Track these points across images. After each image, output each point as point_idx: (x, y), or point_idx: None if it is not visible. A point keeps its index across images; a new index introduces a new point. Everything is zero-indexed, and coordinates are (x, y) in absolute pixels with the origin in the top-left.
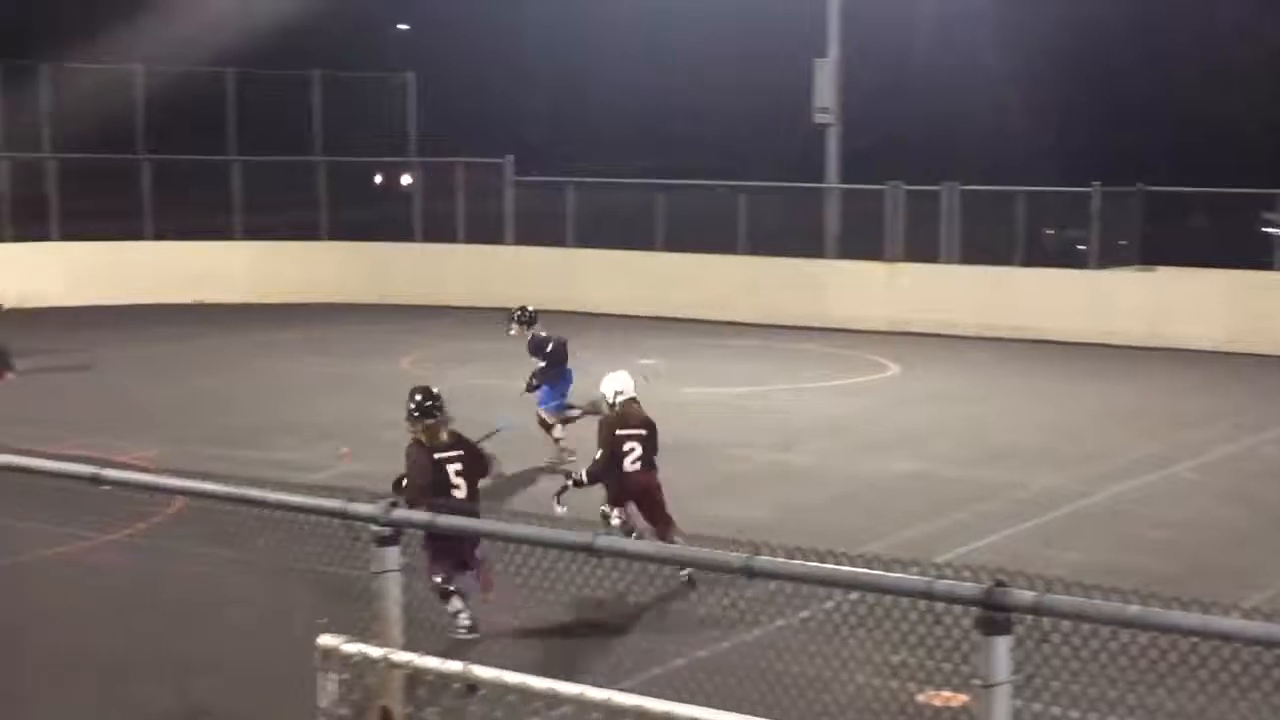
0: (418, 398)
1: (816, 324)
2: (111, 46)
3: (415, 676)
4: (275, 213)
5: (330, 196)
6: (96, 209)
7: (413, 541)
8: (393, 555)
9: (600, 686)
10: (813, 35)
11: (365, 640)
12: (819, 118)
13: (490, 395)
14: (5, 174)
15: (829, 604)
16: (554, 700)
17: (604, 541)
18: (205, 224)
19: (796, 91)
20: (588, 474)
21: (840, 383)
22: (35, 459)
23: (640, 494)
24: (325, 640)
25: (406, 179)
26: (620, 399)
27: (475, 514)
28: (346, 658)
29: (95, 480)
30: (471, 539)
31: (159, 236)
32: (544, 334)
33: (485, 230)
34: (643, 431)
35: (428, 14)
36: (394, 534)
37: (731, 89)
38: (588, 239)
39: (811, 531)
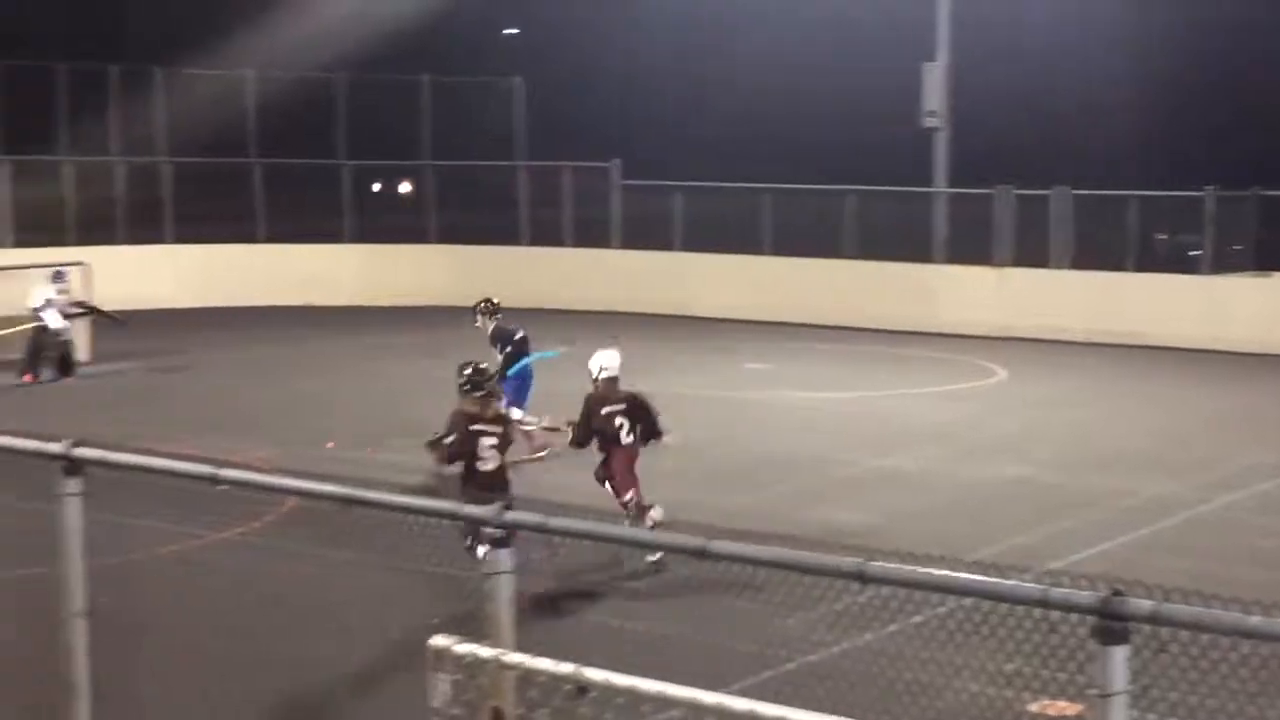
0: (467, 372)
1: (924, 329)
2: (225, 52)
3: (527, 677)
4: (383, 216)
5: (438, 200)
6: (209, 212)
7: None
8: (505, 557)
9: (711, 690)
10: (922, 39)
11: (477, 641)
12: (927, 121)
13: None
14: (121, 177)
15: (942, 609)
16: (664, 703)
17: (718, 546)
18: (315, 227)
19: (905, 95)
20: (572, 440)
21: (947, 388)
22: (155, 458)
23: (624, 464)
24: (437, 641)
25: (405, 187)
26: (604, 375)
27: (505, 486)
28: (458, 658)
29: (213, 480)
30: (505, 499)
31: (269, 240)
32: (508, 325)
33: (592, 234)
34: (624, 406)
35: (536, 18)
36: (506, 536)
37: (840, 93)
38: (695, 243)
39: (918, 538)
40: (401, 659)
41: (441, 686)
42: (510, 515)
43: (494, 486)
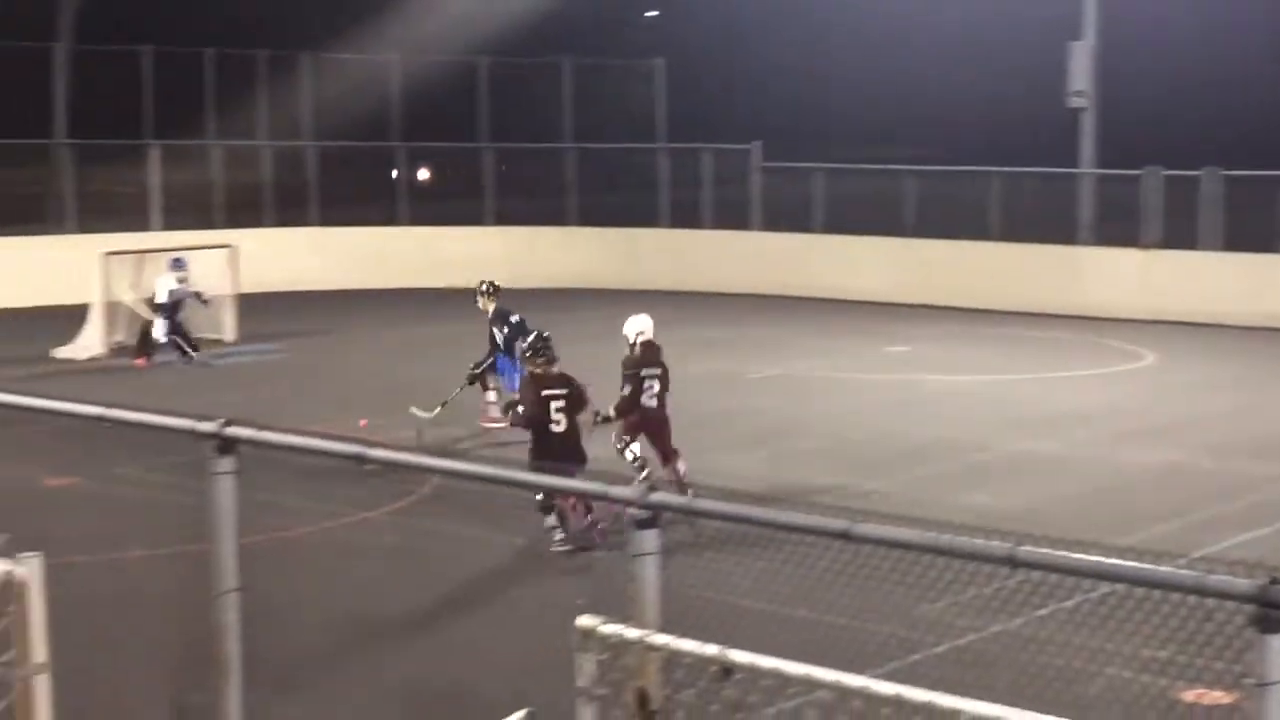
0: (530, 339)
1: (1067, 312)
2: (369, 37)
3: (672, 658)
4: (526, 199)
5: (580, 182)
6: (353, 196)
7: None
8: (650, 538)
9: (859, 673)
10: (1068, 17)
11: (623, 621)
12: (1074, 101)
13: (732, 382)
14: (268, 161)
15: (1093, 595)
16: (810, 685)
17: (862, 529)
18: (458, 210)
19: (1051, 75)
20: (616, 410)
21: (1093, 372)
22: (304, 437)
23: (656, 426)
24: (584, 621)
25: (424, 173)
26: (641, 339)
27: (576, 445)
28: (604, 638)
29: (360, 459)
30: (578, 465)
31: (412, 222)
32: (506, 308)
33: (732, 216)
34: (659, 370)
35: (677, 0)
36: (652, 517)
37: (985, 73)
38: (835, 225)
39: (1066, 522)
40: (547, 638)
41: (587, 666)
42: (656, 497)
43: (566, 447)
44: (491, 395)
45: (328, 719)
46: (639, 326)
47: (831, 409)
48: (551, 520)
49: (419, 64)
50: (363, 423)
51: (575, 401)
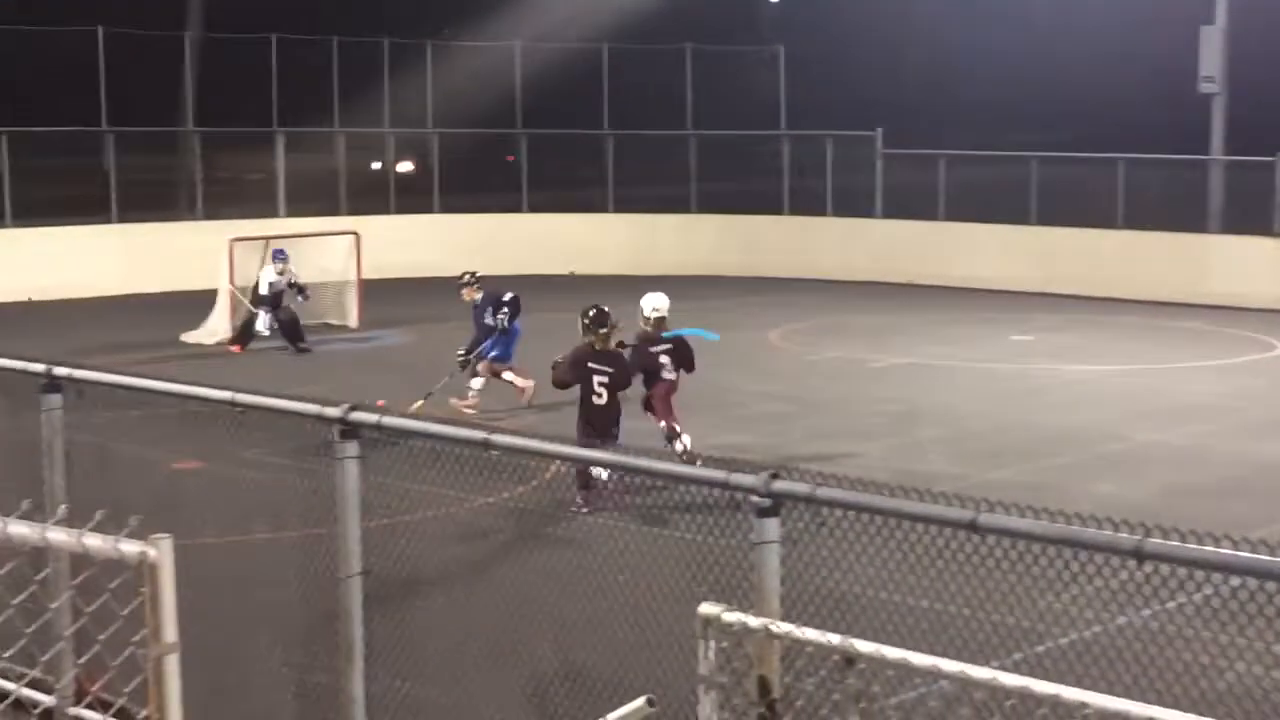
0: (592, 313)
1: (1195, 300)
2: (492, 24)
3: (794, 647)
4: (646, 185)
5: (700, 169)
6: (475, 182)
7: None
8: (772, 526)
9: (982, 664)
10: (1199, 1)
11: (744, 609)
12: (1204, 87)
13: (854, 370)
14: (392, 149)
15: (1224, 589)
16: (934, 676)
17: (989, 519)
18: (580, 197)
19: (1181, 60)
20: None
21: (1223, 361)
22: (429, 423)
23: (663, 395)
24: (706, 608)
25: (405, 165)
26: (655, 315)
27: (615, 421)
28: (726, 626)
29: (486, 445)
30: (614, 437)
31: (534, 209)
32: (495, 290)
33: (853, 203)
34: (670, 345)
35: None
36: (774, 505)
37: (1113, 58)
38: (958, 212)
39: (1194, 515)
40: (668, 624)
41: (709, 654)
42: (779, 485)
43: (604, 419)
44: (478, 382)
45: (448, 701)
46: (654, 303)
47: (954, 398)
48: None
49: (541, 51)
50: (380, 404)
51: (619, 381)
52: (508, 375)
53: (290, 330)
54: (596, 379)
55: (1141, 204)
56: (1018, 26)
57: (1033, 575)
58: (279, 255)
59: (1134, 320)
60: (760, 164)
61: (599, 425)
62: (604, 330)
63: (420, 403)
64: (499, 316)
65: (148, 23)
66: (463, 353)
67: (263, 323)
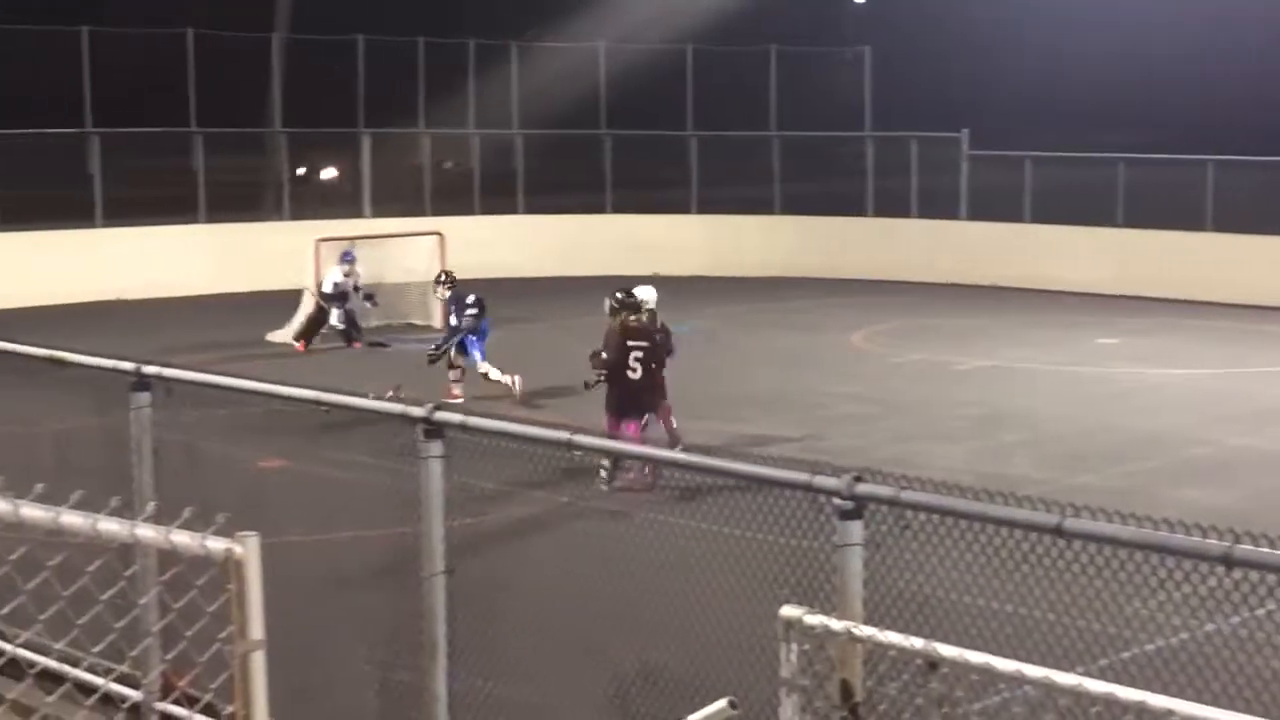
0: (619, 295)
1: None
2: (576, 25)
3: (876, 651)
4: (729, 186)
5: (784, 170)
6: (559, 183)
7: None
8: (856, 529)
9: (1067, 670)
10: None
11: (827, 612)
12: None
13: (939, 372)
14: (477, 150)
15: None
16: (1018, 681)
17: (1074, 524)
18: (663, 198)
19: (1273, 61)
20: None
21: None
22: (512, 423)
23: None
24: (788, 611)
25: (330, 171)
26: (646, 307)
27: (652, 392)
28: (808, 629)
29: (569, 446)
30: (638, 421)
31: (617, 210)
32: (463, 291)
33: (938, 205)
34: (646, 343)
35: None
36: (857, 508)
37: (1200, 58)
38: (1045, 214)
39: None
40: (749, 626)
41: (791, 657)
42: (863, 488)
43: (639, 392)
44: (454, 374)
45: (530, 700)
46: (642, 296)
47: (1039, 401)
48: (605, 463)
49: (625, 52)
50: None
51: (655, 353)
52: (494, 374)
53: (348, 327)
54: (633, 354)
55: (1231, 206)
56: (1106, 27)
57: (1119, 581)
58: (347, 257)
59: (1221, 324)
60: (844, 165)
61: (628, 401)
62: (630, 312)
63: (391, 392)
64: (465, 316)
65: (236, 25)
66: (433, 350)
67: (335, 318)
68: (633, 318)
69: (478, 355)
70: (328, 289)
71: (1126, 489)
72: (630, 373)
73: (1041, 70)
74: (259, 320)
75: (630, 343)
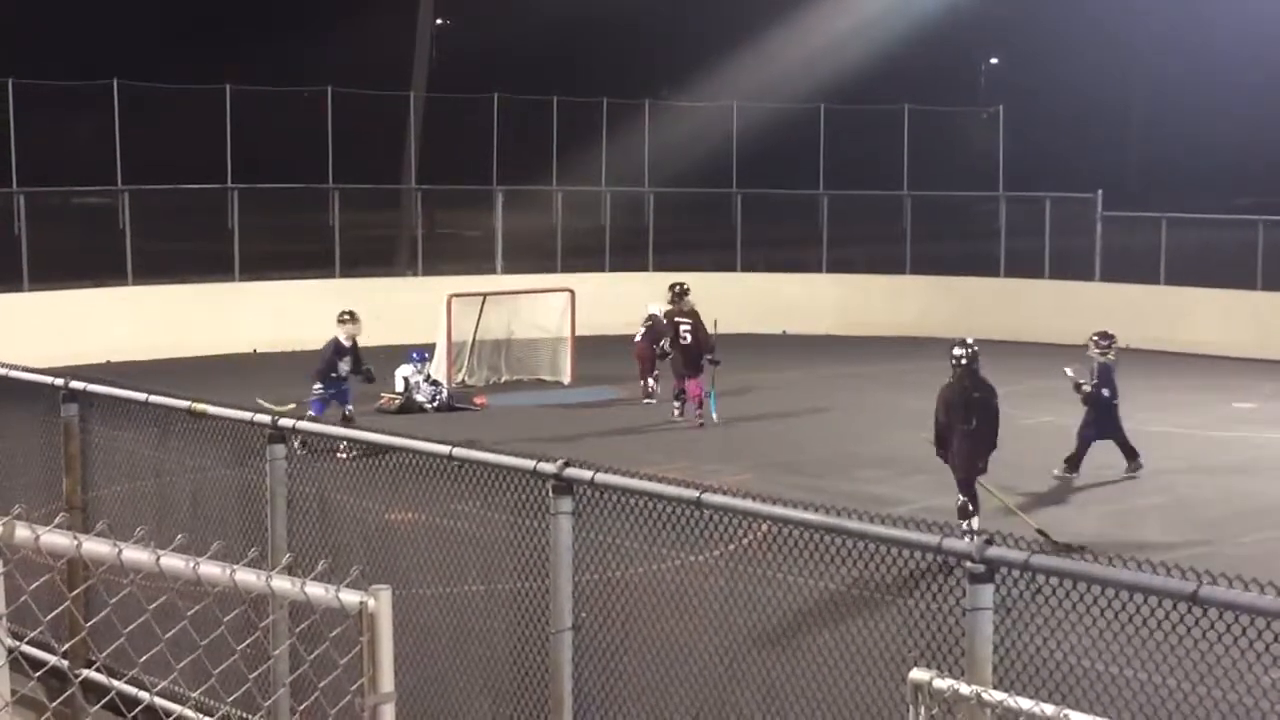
0: (677, 287)
1: None
2: (709, 84)
3: (1006, 716)
4: (860, 246)
5: (915, 230)
6: (690, 241)
7: None
8: (986, 592)
9: None
10: None
11: (955, 675)
12: None
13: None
14: (608, 206)
15: None
16: None
17: (1210, 592)
18: (792, 256)
19: None
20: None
21: None
22: (641, 480)
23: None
24: (916, 674)
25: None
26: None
27: (697, 358)
28: (937, 693)
29: (698, 505)
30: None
31: (746, 268)
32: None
33: (1071, 266)
34: (688, 323)
35: (1018, 48)
36: (988, 571)
37: None
38: (1180, 276)
39: None
40: (877, 689)
41: None
42: (994, 551)
43: (688, 358)
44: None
45: None
46: (652, 309)
47: (1173, 465)
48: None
49: (757, 110)
50: (481, 399)
51: (699, 328)
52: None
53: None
54: (682, 327)
55: None
56: (1243, 86)
57: (1256, 650)
58: (417, 357)
59: None
60: (976, 225)
61: (685, 361)
62: (675, 301)
63: (291, 405)
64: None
65: (373, 83)
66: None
67: (424, 394)
68: (670, 308)
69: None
70: (399, 386)
71: (1262, 556)
72: (682, 340)
73: (1178, 130)
74: (389, 374)
75: (678, 320)
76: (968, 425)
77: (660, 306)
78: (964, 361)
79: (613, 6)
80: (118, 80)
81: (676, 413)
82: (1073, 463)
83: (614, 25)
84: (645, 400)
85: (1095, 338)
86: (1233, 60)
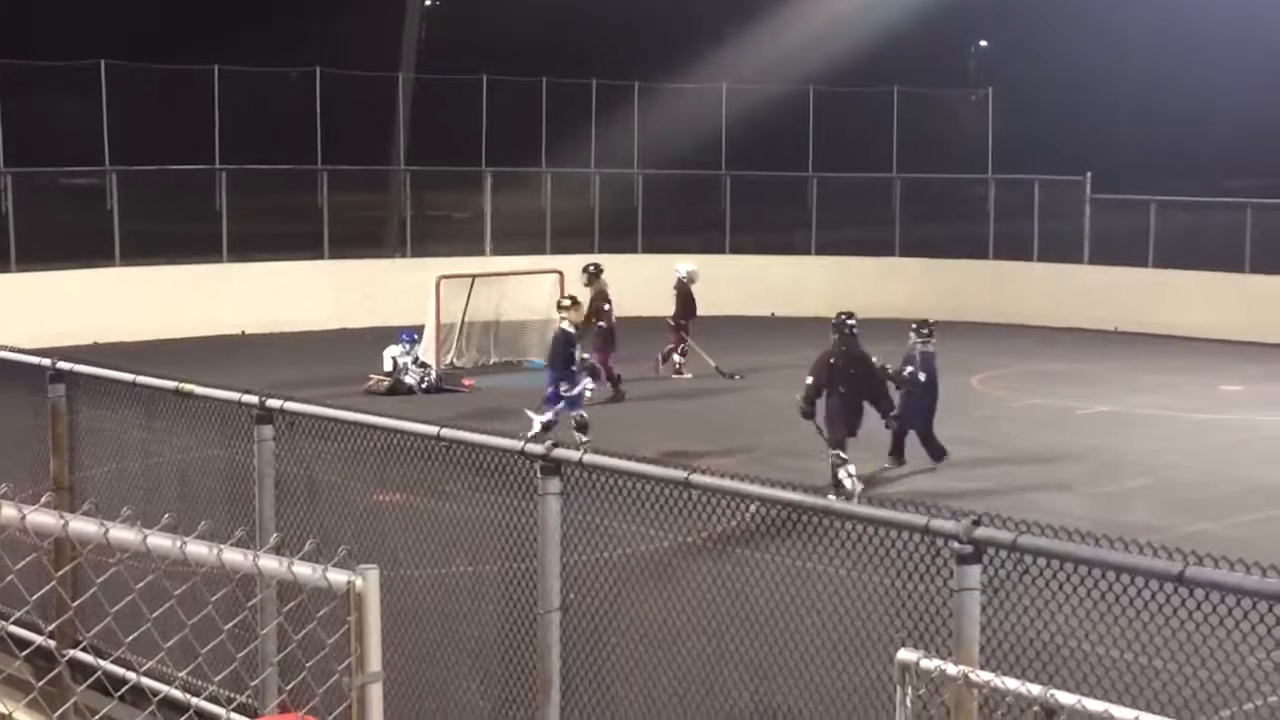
0: (590, 268)
1: None
2: (698, 67)
3: (993, 696)
4: (849, 228)
5: (904, 212)
6: (679, 223)
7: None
8: (973, 573)
9: None
10: None
11: (942, 656)
12: None
13: (1061, 417)
14: (597, 188)
15: None
16: None
17: (1197, 573)
18: (781, 239)
19: None
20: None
21: None
22: (630, 462)
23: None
24: (904, 655)
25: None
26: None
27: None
28: (924, 673)
29: (686, 485)
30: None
31: (735, 250)
32: None
33: (1060, 249)
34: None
35: (1009, 31)
36: (975, 552)
37: None
38: (1169, 259)
39: None
40: (864, 670)
41: (907, 701)
42: (981, 532)
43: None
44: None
45: None
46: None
47: (1161, 447)
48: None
49: (746, 93)
50: (469, 381)
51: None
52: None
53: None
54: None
55: None
56: (1232, 70)
57: (1241, 631)
58: (405, 337)
59: None
60: (965, 207)
61: (611, 340)
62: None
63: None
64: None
65: (363, 64)
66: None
67: (413, 376)
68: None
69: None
70: (388, 366)
71: (1248, 538)
72: (599, 323)
73: (1166, 113)
74: (380, 355)
75: (607, 305)
76: (849, 389)
77: (687, 267)
78: (856, 330)
79: None
80: (105, 60)
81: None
82: (897, 455)
83: (603, 7)
84: (676, 375)
85: (916, 326)
86: (1223, 43)
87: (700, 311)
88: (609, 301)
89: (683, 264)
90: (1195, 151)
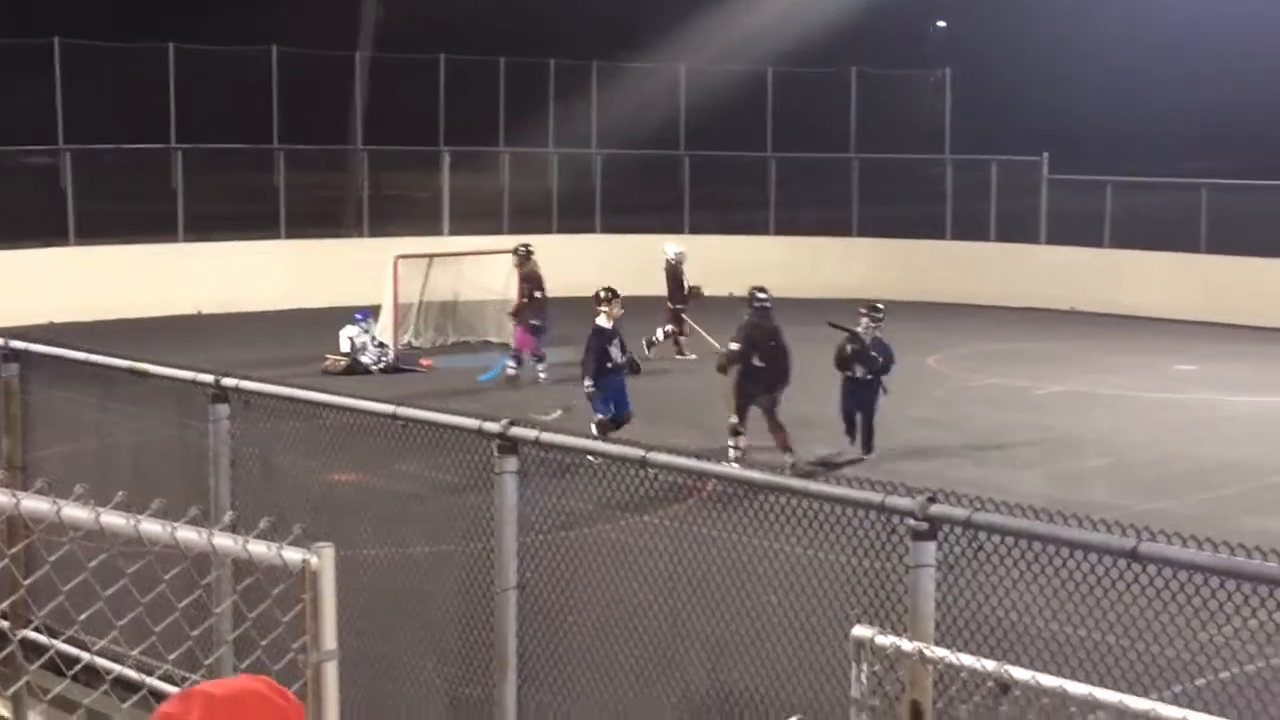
0: (521, 250)
1: None
2: (657, 47)
3: (948, 673)
4: (808, 208)
5: (862, 193)
6: (638, 203)
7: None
8: (928, 550)
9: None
10: None
11: (898, 633)
12: None
13: (1017, 397)
14: (555, 169)
15: None
16: (1091, 706)
17: (1150, 548)
18: (740, 219)
19: None
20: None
21: None
22: (585, 440)
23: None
24: (859, 631)
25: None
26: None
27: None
28: (879, 649)
29: (643, 463)
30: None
31: (695, 230)
32: None
33: (1018, 229)
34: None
35: (966, 11)
36: (930, 529)
37: None
38: (1125, 239)
39: None
40: (820, 647)
41: (862, 677)
42: (937, 509)
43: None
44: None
45: (600, 717)
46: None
47: (1117, 427)
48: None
49: (705, 74)
50: (426, 361)
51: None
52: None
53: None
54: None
55: None
56: (1190, 52)
57: (1193, 606)
58: (359, 317)
59: None
60: (923, 188)
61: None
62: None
63: (559, 412)
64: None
65: (319, 43)
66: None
67: (370, 356)
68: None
69: None
70: (344, 347)
71: (1203, 516)
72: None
73: (1124, 94)
74: (336, 336)
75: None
76: (766, 362)
77: (675, 248)
78: (768, 305)
79: None
80: (59, 39)
81: (511, 370)
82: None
83: None
84: (679, 356)
85: (865, 310)
86: (1183, 24)
87: (659, 290)
88: (541, 283)
89: (671, 245)
90: (1153, 133)
